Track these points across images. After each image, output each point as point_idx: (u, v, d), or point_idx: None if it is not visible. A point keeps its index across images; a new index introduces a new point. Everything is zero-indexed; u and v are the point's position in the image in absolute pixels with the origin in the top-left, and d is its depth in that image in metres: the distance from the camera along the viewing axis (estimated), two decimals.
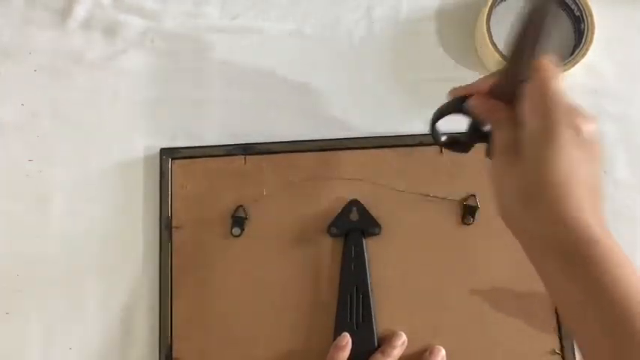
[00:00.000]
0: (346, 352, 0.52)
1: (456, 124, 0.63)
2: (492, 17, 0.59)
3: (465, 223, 0.56)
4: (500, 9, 0.62)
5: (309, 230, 0.57)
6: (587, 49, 0.58)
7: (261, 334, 0.55)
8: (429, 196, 0.57)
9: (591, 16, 0.59)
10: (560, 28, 0.62)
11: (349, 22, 0.64)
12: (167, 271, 0.56)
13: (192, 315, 0.55)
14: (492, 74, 0.42)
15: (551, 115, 0.36)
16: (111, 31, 0.64)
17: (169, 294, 0.55)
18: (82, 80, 0.62)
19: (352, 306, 0.54)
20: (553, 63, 0.38)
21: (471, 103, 0.42)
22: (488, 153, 0.42)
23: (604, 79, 0.61)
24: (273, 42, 0.63)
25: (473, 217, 0.56)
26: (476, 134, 0.44)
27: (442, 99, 0.62)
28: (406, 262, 0.56)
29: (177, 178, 0.58)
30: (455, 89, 0.45)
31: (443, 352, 0.53)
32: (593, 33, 0.58)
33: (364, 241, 0.56)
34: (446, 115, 0.45)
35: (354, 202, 0.57)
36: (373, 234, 0.56)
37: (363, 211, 0.57)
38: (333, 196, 0.57)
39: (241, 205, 0.57)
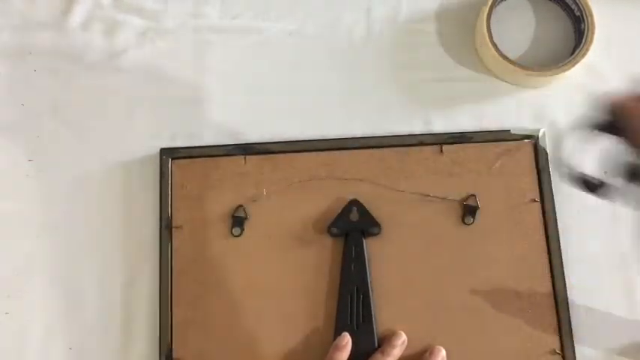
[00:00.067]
0: (346, 353, 0.52)
1: (456, 124, 0.63)
2: (492, 17, 0.59)
3: (465, 223, 0.56)
4: (500, 9, 0.62)
5: (309, 230, 0.57)
6: (587, 49, 0.58)
7: (261, 334, 0.55)
8: (429, 196, 0.57)
9: (591, 16, 0.59)
10: (560, 28, 0.62)
11: (349, 22, 0.64)
12: (167, 271, 0.56)
13: (193, 315, 0.55)
14: None
15: None
16: (111, 31, 0.64)
17: (169, 294, 0.55)
18: (82, 80, 0.62)
19: (352, 306, 0.54)
20: None
21: None
22: None
23: (604, 79, 0.61)
24: (273, 42, 0.63)
25: (473, 217, 0.56)
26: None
27: (442, 99, 0.63)
28: (406, 262, 0.56)
29: (177, 178, 0.58)
30: (608, 98, 0.38)
31: (443, 352, 0.53)
32: (593, 33, 0.58)
33: (364, 241, 0.56)
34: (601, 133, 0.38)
35: (354, 202, 0.57)
36: (373, 234, 0.56)
37: (363, 211, 0.56)
38: (333, 196, 0.57)
39: (241, 205, 0.57)
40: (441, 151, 0.58)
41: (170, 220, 0.57)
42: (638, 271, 0.56)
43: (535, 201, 0.56)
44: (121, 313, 0.56)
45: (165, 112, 0.61)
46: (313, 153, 0.59)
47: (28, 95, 0.62)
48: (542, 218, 0.56)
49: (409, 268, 0.56)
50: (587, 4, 0.59)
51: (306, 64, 0.63)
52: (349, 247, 0.55)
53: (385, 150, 0.58)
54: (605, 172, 0.58)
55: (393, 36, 0.63)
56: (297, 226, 0.57)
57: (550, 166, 0.57)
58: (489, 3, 0.59)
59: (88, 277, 0.57)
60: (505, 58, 0.58)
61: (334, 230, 0.56)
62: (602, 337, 0.54)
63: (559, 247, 0.55)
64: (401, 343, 0.53)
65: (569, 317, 0.54)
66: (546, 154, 0.58)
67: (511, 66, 0.58)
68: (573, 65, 0.58)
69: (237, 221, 0.57)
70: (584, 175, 0.42)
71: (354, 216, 0.57)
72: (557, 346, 0.54)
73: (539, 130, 0.58)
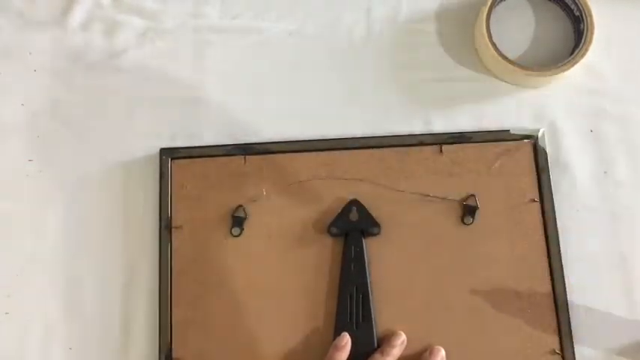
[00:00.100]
0: (346, 352, 0.52)
1: (456, 124, 0.63)
2: (492, 17, 0.59)
3: (465, 223, 0.56)
4: (500, 9, 0.62)
5: (309, 230, 0.57)
6: (586, 49, 0.58)
7: (261, 334, 0.55)
8: (429, 196, 0.57)
9: (591, 16, 0.59)
10: (559, 28, 0.62)
11: (349, 22, 0.64)
12: (167, 271, 0.56)
13: (192, 315, 0.55)
14: None
15: None
16: (111, 31, 0.64)
17: (169, 294, 0.55)
18: (82, 80, 0.62)
19: (352, 306, 0.54)
20: None
21: None
22: None
23: (604, 79, 0.61)
24: (273, 42, 0.63)
25: (473, 217, 0.56)
26: None
27: (442, 99, 0.63)
28: (406, 262, 0.56)
29: (177, 178, 0.58)
30: None
31: (443, 352, 0.53)
32: (592, 33, 0.58)
33: (364, 241, 0.56)
34: None
35: (354, 202, 0.57)
36: (373, 234, 0.56)
37: (363, 211, 0.56)
38: (333, 196, 0.57)
39: (241, 205, 0.57)
40: (441, 151, 0.58)
41: (170, 220, 0.57)
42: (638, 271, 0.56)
43: (534, 201, 0.56)
44: (120, 313, 0.56)
45: (165, 112, 0.61)
46: (313, 153, 0.59)
47: (28, 95, 0.62)
48: (541, 218, 0.56)
49: (409, 268, 0.56)
50: (586, 4, 0.59)
51: (306, 64, 0.63)
52: (349, 247, 0.55)
53: (385, 150, 0.58)
54: (605, 172, 0.58)
55: (393, 36, 0.63)
56: (297, 226, 0.57)
57: (549, 165, 0.57)
58: (489, 3, 0.59)
59: (87, 277, 0.57)
60: (505, 58, 0.58)
61: (334, 230, 0.56)
62: (602, 337, 0.54)
63: (558, 247, 0.55)
64: (400, 343, 0.53)
65: (569, 317, 0.54)
66: (546, 154, 0.58)
67: (511, 66, 0.58)
68: (573, 65, 0.58)
69: (237, 221, 0.57)
70: None
71: (354, 216, 0.57)
72: (556, 346, 0.54)
73: (538, 130, 0.58)
